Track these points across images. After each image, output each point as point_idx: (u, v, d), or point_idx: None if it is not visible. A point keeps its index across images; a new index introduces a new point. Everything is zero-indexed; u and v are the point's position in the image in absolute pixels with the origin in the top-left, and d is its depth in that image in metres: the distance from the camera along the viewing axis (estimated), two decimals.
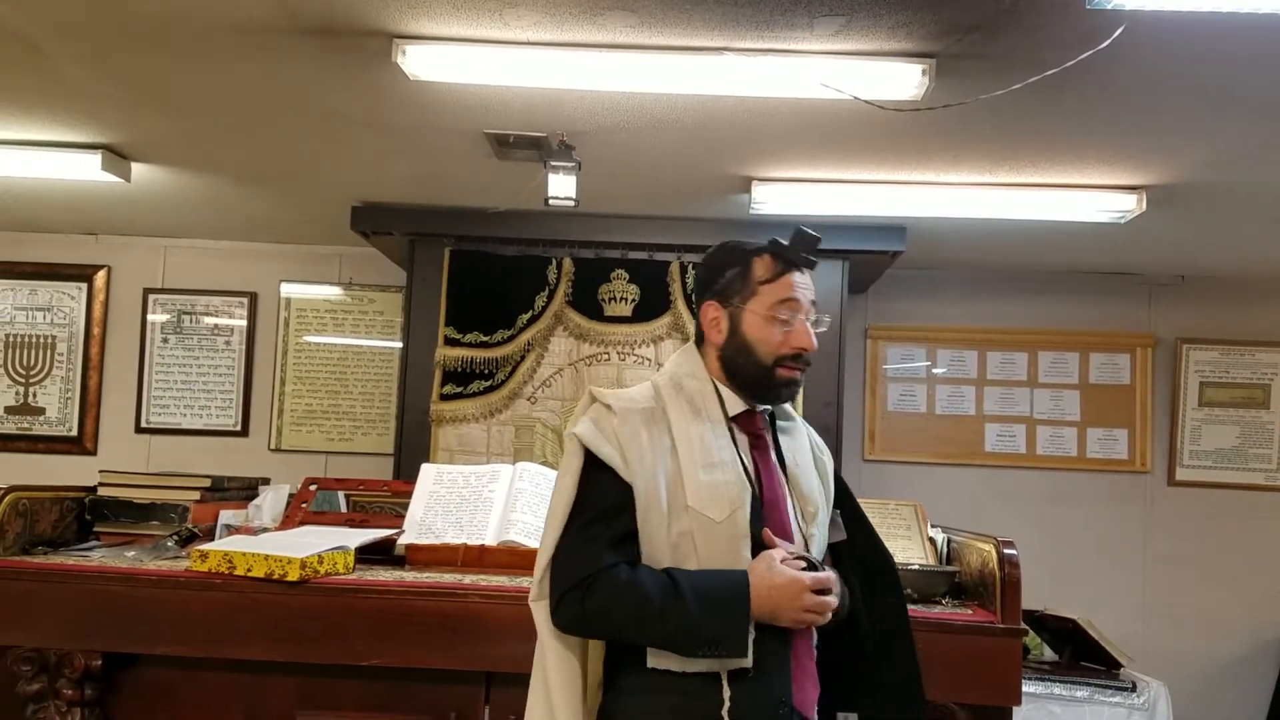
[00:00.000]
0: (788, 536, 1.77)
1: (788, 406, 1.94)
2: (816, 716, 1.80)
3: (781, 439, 1.89)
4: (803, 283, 1.88)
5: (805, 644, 1.79)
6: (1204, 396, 5.28)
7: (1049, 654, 4.33)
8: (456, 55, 2.78)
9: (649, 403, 1.82)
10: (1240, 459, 5.25)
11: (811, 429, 1.99)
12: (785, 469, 1.85)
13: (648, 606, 1.65)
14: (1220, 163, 3.51)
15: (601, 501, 1.74)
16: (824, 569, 1.76)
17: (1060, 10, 2.45)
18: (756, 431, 1.86)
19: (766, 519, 1.77)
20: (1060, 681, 4.01)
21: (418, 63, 2.81)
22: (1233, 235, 4.46)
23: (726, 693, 1.69)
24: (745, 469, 1.79)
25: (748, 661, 1.68)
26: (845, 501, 1.95)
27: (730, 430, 1.82)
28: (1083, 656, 4.23)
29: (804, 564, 1.72)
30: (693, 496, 1.72)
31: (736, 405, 1.85)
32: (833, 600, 1.73)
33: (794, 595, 1.68)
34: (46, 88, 3.28)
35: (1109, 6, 2.31)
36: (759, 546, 1.74)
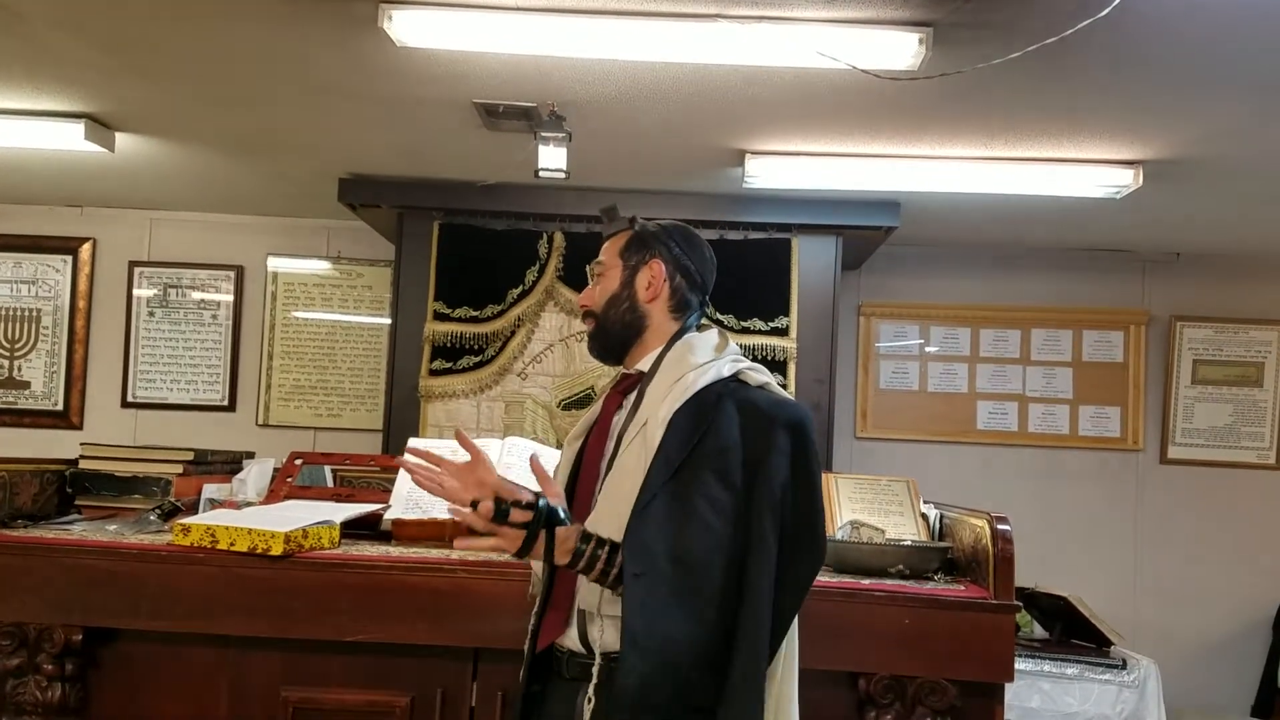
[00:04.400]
0: (587, 497, 1.91)
1: (666, 363, 1.92)
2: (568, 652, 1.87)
3: (642, 398, 1.91)
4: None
5: (565, 578, 1.88)
6: (1197, 374, 5.26)
7: (1039, 631, 4.33)
8: (444, 21, 2.73)
9: None
10: (1233, 437, 5.25)
11: (697, 388, 1.86)
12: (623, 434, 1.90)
13: None
14: (1218, 138, 3.48)
15: None
16: (538, 509, 1.74)
17: None
18: (624, 393, 1.97)
19: (579, 481, 1.95)
20: (1050, 659, 4.01)
21: (405, 28, 2.75)
22: (1229, 212, 4.44)
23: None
24: (589, 435, 1.97)
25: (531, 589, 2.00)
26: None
27: (611, 395, 2.00)
28: (1073, 634, 4.23)
29: (501, 503, 1.74)
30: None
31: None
32: (498, 540, 1.74)
33: None
34: (27, 54, 3.22)
35: None
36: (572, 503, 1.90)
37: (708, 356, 1.90)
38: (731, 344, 1.98)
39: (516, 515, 1.72)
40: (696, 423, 1.81)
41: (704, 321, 2.04)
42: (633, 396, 1.94)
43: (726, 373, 1.88)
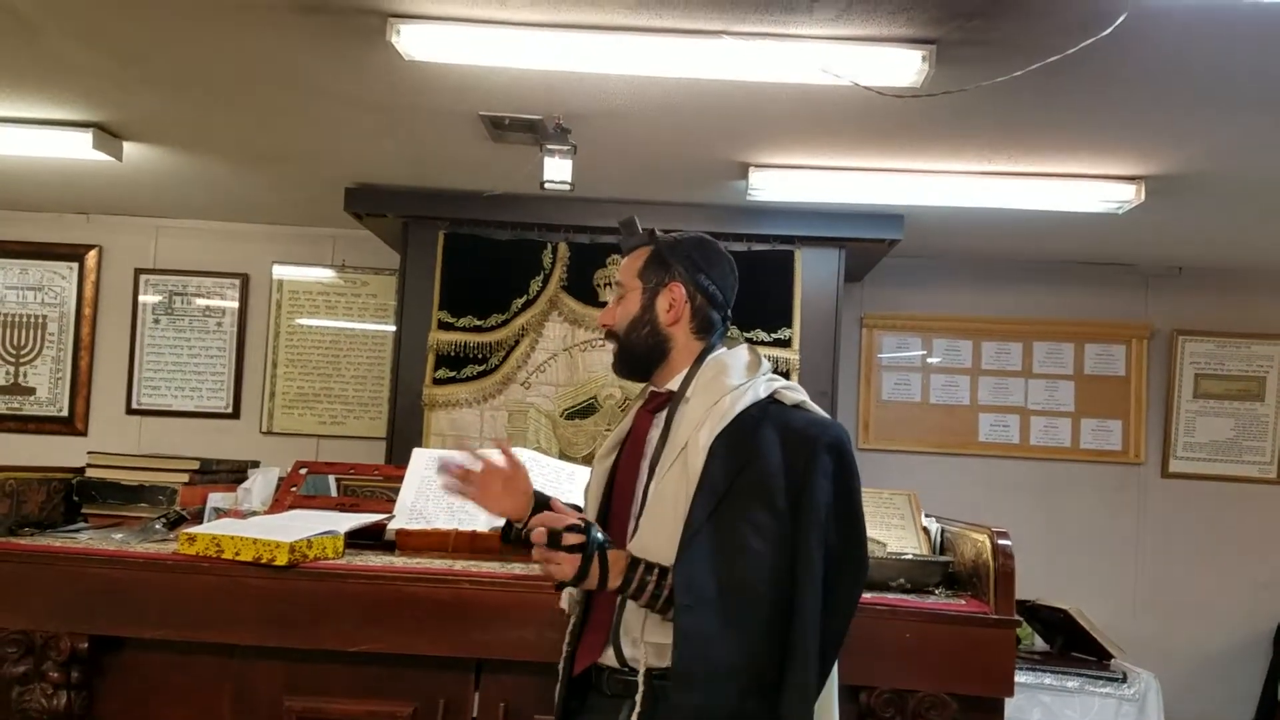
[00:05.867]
0: (624, 516, 1.93)
1: (699, 384, 1.92)
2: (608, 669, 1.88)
3: (675, 419, 1.91)
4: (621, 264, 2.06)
5: (603, 599, 1.89)
6: (1199, 388, 5.27)
7: (1040, 644, 4.33)
8: (452, 35, 2.75)
9: None
10: (1234, 451, 5.25)
11: (734, 407, 1.86)
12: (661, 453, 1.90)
13: None
14: (1220, 154, 3.49)
15: None
16: (590, 537, 1.77)
17: None
18: (654, 411, 1.98)
19: (614, 499, 1.97)
20: (1051, 672, 4.01)
21: (413, 42, 2.78)
22: (1231, 227, 4.45)
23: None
24: (620, 453, 1.98)
25: (563, 604, 2.00)
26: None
27: (642, 414, 2.00)
28: (1074, 647, 4.23)
29: (554, 530, 1.76)
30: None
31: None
32: (552, 566, 1.76)
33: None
34: (37, 64, 3.24)
35: None
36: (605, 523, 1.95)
37: (742, 378, 1.90)
38: (764, 361, 1.98)
39: (568, 539, 1.74)
40: (738, 450, 1.82)
41: (730, 336, 2.05)
42: (663, 415, 1.94)
43: (764, 394, 1.88)
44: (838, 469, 1.84)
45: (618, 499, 1.97)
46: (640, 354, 1.99)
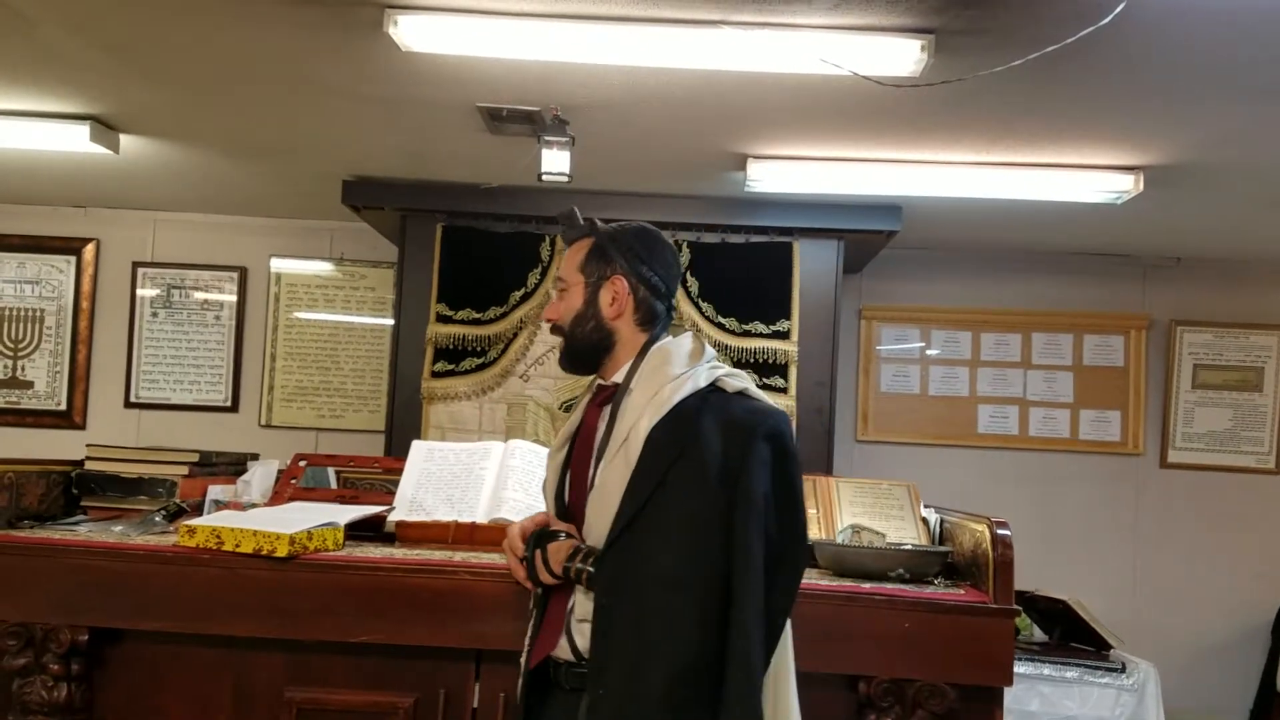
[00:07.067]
0: (580, 510, 1.95)
1: (641, 375, 1.94)
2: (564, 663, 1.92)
3: (619, 411, 1.93)
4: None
5: (558, 597, 1.94)
6: (1197, 379, 5.28)
7: (1039, 635, 4.34)
8: (449, 26, 2.74)
9: None
10: (1233, 441, 5.26)
11: (668, 399, 1.87)
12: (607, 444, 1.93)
13: None
14: (1218, 143, 3.49)
15: None
16: (559, 537, 1.94)
17: None
18: (601, 404, 1.99)
19: (570, 493, 2.00)
20: (1050, 662, 4.02)
21: (410, 33, 2.77)
22: (1229, 217, 4.45)
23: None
24: (572, 447, 2.00)
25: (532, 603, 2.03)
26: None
27: (590, 408, 2.01)
28: (1072, 637, 4.24)
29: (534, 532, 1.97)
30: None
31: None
32: (519, 567, 1.97)
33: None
34: (33, 57, 3.23)
35: None
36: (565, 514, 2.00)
37: (684, 367, 1.91)
38: (708, 349, 1.98)
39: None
40: (675, 439, 1.82)
41: (675, 324, 2.06)
42: (610, 408, 1.95)
43: (704, 383, 1.89)
44: (777, 457, 1.83)
45: (574, 493, 1.98)
46: (585, 348, 2.00)
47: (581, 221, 2.05)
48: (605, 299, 1.97)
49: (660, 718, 1.73)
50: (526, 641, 1.99)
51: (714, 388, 1.89)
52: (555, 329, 2.04)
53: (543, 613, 1.97)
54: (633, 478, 1.82)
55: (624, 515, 1.81)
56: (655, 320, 1.99)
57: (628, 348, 1.98)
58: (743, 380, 1.92)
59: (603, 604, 1.80)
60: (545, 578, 1.91)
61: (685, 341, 1.97)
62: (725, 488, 1.79)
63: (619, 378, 1.97)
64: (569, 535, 1.95)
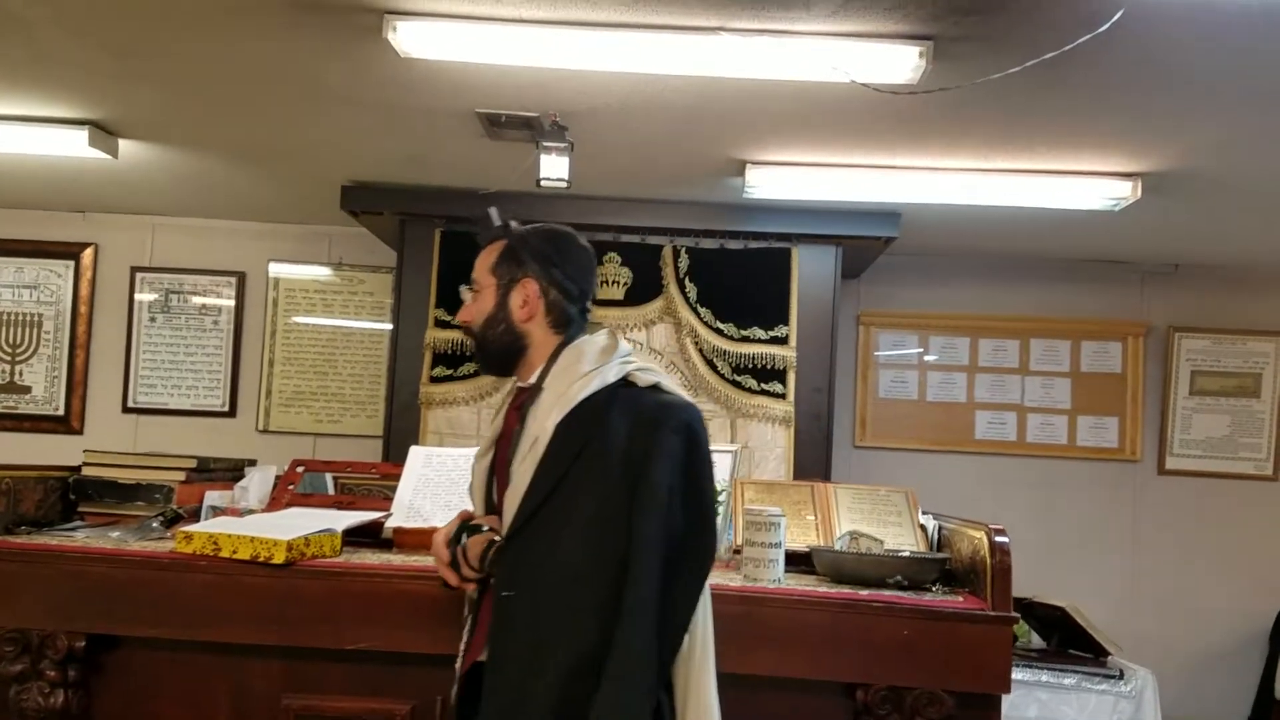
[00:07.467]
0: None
1: (553, 375, 1.94)
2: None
3: (531, 411, 1.93)
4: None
5: (488, 601, 1.91)
6: (1195, 385, 5.28)
7: (1037, 641, 4.34)
8: (448, 32, 2.75)
9: None
10: (1230, 448, 5.26)
11: (580, 396, 1.88)
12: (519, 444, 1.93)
13: None
14: (1216, 150, 3.50)
15: None
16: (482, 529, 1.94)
17: None
18: (519, 407, 1.98)
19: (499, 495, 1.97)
20: (1048, 669, 4.01)
21: (409, 39, 2.77)
22: (1227, 224, 4.45)
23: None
24: (496, 450, 1.99)
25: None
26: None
27: (509, 410, 2.02)
28: (1070, 644, 4.23)
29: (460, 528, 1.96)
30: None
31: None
32: (448, 571, 1.94)
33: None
34: (32, 61, 3.23)
35: None
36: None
37: (593, 364, 1.90)
38: (622, 344, 1.97)
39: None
40: (579, 434, 1.83)
41: (593, 321, 2.04)
42: (524, 410, 1.96)
43: (613, 378, 1.88)
44: (685, 451, 1.82)
45: (500, 494, 1.99)
46: (498, 351, 2.00)
47: (497, 222, 2.07)
48: (516, 301, 1.97)
49: (560, 713, 1.74)
50: (461, 646, 1.98)
51: (624, 382, 1.89)
52: (468, 331, 2.04)
53: (476, 616, 1.97)
54: (536, 472, 1.84)
55: (525, 509, 1.83)
56: (568, 323, 1.99)
57: (541, 350, 1.97)
58: (656, 374, 1.92)
59: (502, 597, 1.82)
60: (466, 572, 1.92)
61: (598, 339, 1.97)
62: (627, 480, 1.80)
63: (535, 379, 1.97)
64: (491, 529, 1.95)
